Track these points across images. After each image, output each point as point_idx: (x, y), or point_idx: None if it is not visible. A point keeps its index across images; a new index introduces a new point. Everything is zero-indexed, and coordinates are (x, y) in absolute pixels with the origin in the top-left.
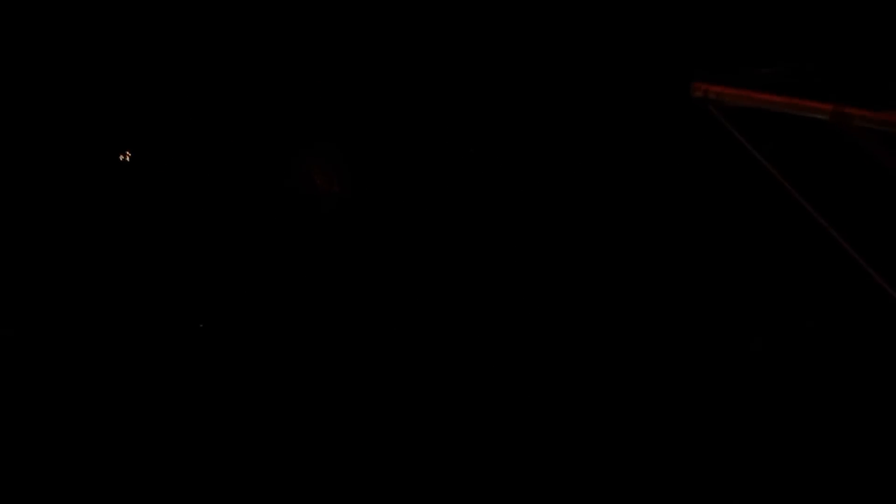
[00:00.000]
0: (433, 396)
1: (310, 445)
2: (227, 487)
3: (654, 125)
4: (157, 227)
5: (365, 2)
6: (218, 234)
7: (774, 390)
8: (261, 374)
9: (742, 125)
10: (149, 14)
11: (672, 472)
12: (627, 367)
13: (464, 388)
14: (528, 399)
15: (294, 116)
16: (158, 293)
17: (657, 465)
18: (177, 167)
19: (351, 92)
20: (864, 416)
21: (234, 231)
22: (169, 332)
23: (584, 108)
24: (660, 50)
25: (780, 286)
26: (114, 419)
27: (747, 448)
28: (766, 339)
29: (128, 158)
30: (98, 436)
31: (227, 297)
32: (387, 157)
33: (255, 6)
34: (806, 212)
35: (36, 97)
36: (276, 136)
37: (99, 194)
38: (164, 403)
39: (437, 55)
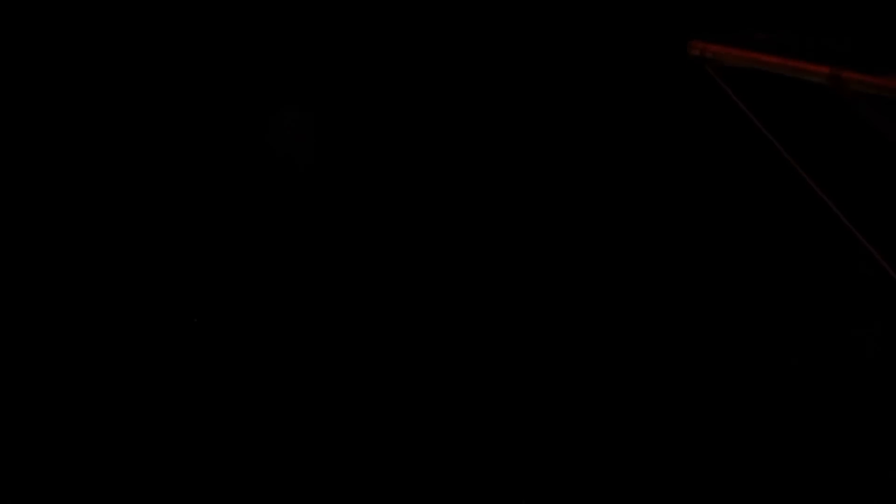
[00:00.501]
0: (394, 364)
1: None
2: (216, 475)
3: (650, 82)
4: (130, 192)
5: None
6: (192, 198)
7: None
8: (239, 346)
9: (738, 86)
10: None
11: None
12: (614, 326)
13: (428, 361)
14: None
15: (269, 80)
16: (134, 257)
17: (661, 466)
18: (150, 131)
19: (326, 56)
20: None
21: (208, 195)
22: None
23: (576, 62)
24: (657, 7)
25: (771, 246)
26: (102, 407)
27: (747, 448)
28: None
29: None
30: (91, 429)
31: (200, 259)
32: (361, 121)
33: None
34: (799, 174)
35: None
36: (251, 100)
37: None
38: (145, 375)
39: (419, 20)
